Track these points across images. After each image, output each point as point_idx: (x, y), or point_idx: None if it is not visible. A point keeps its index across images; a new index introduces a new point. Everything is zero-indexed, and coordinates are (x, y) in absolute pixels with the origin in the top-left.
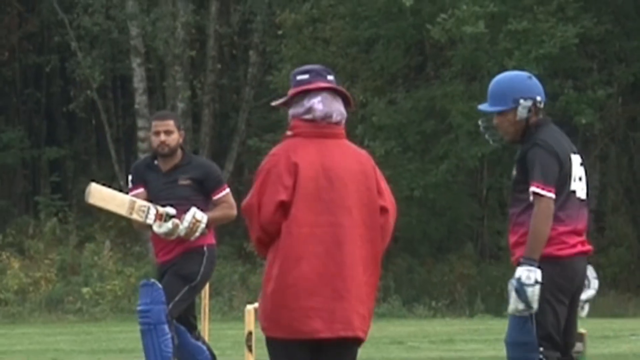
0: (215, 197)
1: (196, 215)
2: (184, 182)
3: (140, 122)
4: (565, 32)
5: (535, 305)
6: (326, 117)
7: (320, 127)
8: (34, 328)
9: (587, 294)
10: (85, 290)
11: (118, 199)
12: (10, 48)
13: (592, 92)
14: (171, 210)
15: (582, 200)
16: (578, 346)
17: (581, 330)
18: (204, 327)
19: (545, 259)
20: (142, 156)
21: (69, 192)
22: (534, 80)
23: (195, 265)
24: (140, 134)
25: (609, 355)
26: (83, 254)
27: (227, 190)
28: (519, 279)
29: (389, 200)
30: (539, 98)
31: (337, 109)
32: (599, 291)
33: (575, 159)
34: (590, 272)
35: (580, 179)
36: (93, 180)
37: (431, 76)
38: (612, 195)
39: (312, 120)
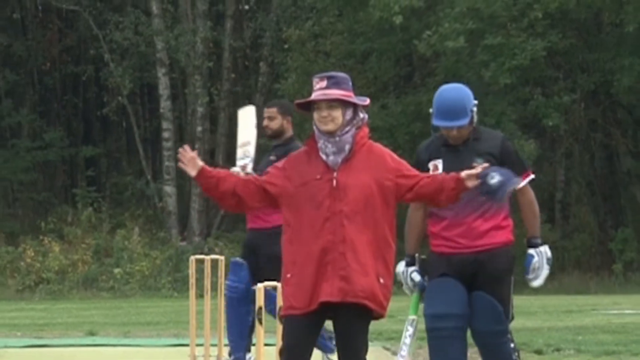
0: None
1: None
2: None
3: (165, 124)
4: (534, 46)
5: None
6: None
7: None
8: (72, 304)
9: None
10: (116, 270)
11: (250, 132)
12: (52, 60)
13: (558, 98)
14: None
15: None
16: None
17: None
18: (220, 303)
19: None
20: (166, 154)
21: (103, 185)
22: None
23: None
24: (165, 134)
25: (573, 327)
26: (115, 239)
27: None
28: (548, 257)
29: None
30: (475, 102)
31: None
32: (565, 271)
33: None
34: None
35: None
36: (127, 175)
37: (418, 84)
38: (575, 188)
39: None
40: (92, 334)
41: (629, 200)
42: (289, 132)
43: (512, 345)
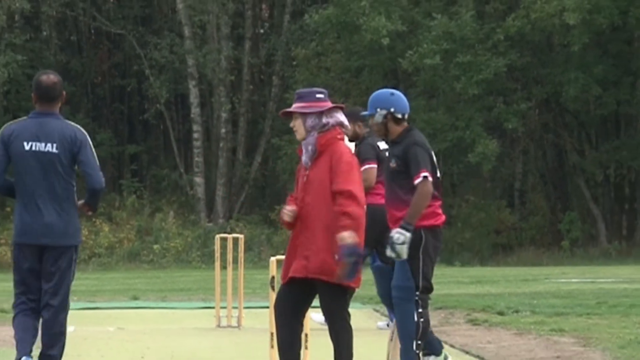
0: None
1: None
2: None
3: (195, 127)
4: (497, 63)
5: (404, 257)
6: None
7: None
8: (119, 274)
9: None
10: (155, 246)
11: None
12: (102, 74)
13: (517, 106)
14: None
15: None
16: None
17: None
18: (240, 273)
19: (429, 228)
20: (196, 151)
21: (144, 176)
22: (396, 96)
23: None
24: (195, 135)
25: (529, 293)
26: (154, 221)
27: None
28: (391, 238)
29: None
30: (392, 109)
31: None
32: (523, 247)
33: (433, 154)
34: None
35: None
36: (164, 169)
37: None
38: (531, 179)
39: (344, 132)
40: (135, 298)
41: (575, 189)
42: (363, 133)
43: (417, 308)
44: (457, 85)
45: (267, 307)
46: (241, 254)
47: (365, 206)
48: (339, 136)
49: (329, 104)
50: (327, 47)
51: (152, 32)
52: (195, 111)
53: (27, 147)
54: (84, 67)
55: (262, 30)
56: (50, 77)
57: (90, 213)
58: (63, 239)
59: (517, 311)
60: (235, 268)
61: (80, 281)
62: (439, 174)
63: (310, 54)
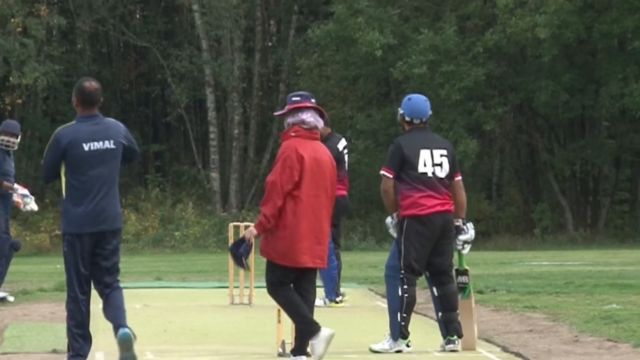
0: None
1: None
2: None
3: (211, 129)
4: (477, 72)
5: (394, 236)
6: (313, 127)
7: (311, 132)
8: (144, 257)
9: (464, 237)
10: (176, 233)
11: None
12: (130, 82)
13: (494, 110)
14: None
15: (440, 178)
16: (464, 279)
17: (466, 267)
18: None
19: (410, 217)
20: (212, 150)
21: (166, 172)
22: (412, 101)
23: None
24: (211, 135)
25: (505, 274)
26: (175, 211)
27: None
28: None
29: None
30: (401, 111)
31: (319, 122)
32: (499, 234)
33: (427, 153)
34: (469, 223)
35: (437, 165)
36: (184, 165)
37: (393, 100)
38: (506, 175)
39: (307, 128)
40: (158, 279)
41: (545, 183)
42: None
43: (402, 284)
44: (441, 92)
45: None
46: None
47: (281, 195)
48: (292, 133)
49: (302, 105)
50: (327, 58)
51: (174, 45)
52: (211, 115)
53: (86, 148)
54: (114, 76)
55: (270, 44)
56: (92, 84)
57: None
58: (117, 223)
59: (494, 290)
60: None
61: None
62: (424, 170)
63: (313, 64)
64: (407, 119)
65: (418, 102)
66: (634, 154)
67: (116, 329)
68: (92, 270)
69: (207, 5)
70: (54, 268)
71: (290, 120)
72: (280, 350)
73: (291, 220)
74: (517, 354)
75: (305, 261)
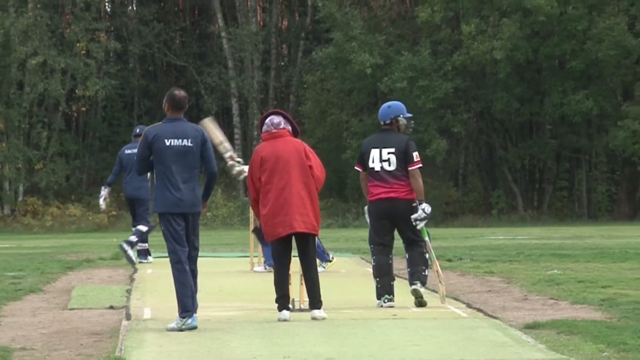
0: None
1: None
2: None
3: (236, 131)
4: (446, 86)
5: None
6: (272, 125)
7: (272, 132)
8: None
9: (414, 215)
10: (208, 214)
11: (219, 133)
12: None
13: (460, 116)
14: (237, 159)
15: (388, 171)
16: (423, 245)
17: (426, 238)
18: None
19: (368, 201)
20: (236, 149)
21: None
22: (380, 109)
23: None
24: (236, 137)
25: (469, 246)
26: None
27: None
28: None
29: (314, 161)
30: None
31: (278, 121)
32: (465, 214)
33: (376, 152)
34: (423, 204)
35: (384, 161)
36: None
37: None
38: (470, 167)
39: (268, 130)
40: None
41: (501, 174)
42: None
43: (372, 254)
44: (418, 102)
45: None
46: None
47: (252, 189)
48: (261, 140)
49: (269, 112)
50: (328, 75)
51: (206, 64)
52: (235, 120)
53: (167, 143)
54: (158, 89)
55: (282, 63)
56: (181, 92)
57: (205, 209)
58: (196, 207)
59: (460, 259)
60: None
61: (158, 238)
62: (372, 166)
63: (316, 79)
64: (382, 122)
65: (382, 108)
66: (571, 151)
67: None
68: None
69: (233, 33)
70: (111, 241)
71: (261, 130)
72: (290, 306)
73: (264, 206)
74: (479, 309)
75: (280, 232)
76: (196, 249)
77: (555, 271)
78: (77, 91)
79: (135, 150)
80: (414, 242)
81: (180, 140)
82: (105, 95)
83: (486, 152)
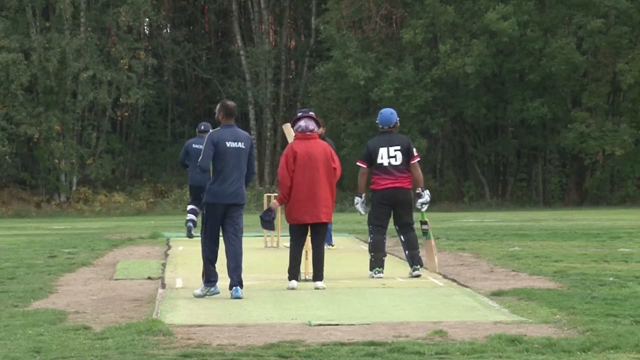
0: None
1: None
2: None
3: (252, 132)
4: (426, 95)
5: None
6: (307, 129)
7: (305, 134)
8: None
9: (421, 200)
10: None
11: (291, 136)
12: (199, 101)
13: (437, 120)
14: None
15: (394, 165)
16: (425, 226)
17: (426, 219)
18: (278, 216)
19: (372, 190)
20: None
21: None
22: (381, 114)
23: None
24: (252, 136)
25: (445, 227)
26: None
27: None
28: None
29: (337, 164)
30: (377, 121)
31: (313, 127)
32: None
33: (384, 151)
34: (426, 191)
35: (391, 157)
36: None
37: (372, 113)
38: (445, 162)
39: (303, 132)
40: None
41: (471, 168)
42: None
43: (370, 233)
44: (403, 108)
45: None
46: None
47: (287, 178)
48: (294, 136)
49: (300, 116)
50: (328, 86)
51: (227, 77)
52: (252, 123)
53: (228, 145)
54: (188, 98)
55: (290, 76)
56: (232, 103)
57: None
58: (243, 199)
59: (437, 238)
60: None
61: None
62: (380, 162)
63: (319, 90)
64: (379, 126)
65: (384, 114)
66: (529, 149)
67: (229, 267)
68: (223, 226)
69: (250, 51)
70: (149, 224)
71: (293, 127)
72: (298, 277)
73: (294, 195)
74: (453, 280)
75: (306, 219)
76: (239, 231)
77: (516, 248)
78: (121, 99)
79: (201, 146)
80: (408, 226)
81: (236, 143)
82: (144, 102)
83: (459, 149)
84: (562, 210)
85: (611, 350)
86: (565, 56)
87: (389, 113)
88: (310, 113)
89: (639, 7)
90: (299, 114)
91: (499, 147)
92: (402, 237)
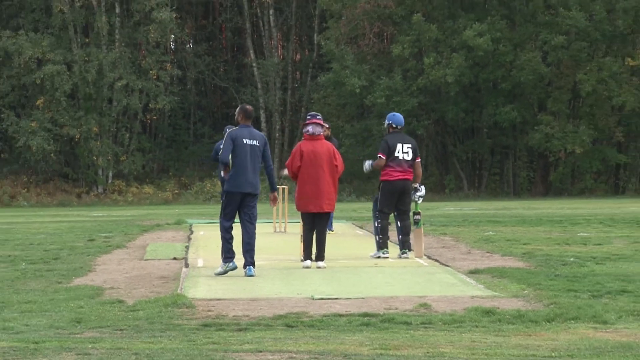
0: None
1: None
2: None
3: (262, 133)
4: (413, 101)
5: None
6: (314, 132)
7: (313, 136)
8: None
9: (418, 193)
10: None
11: None
12: (217, 107)
13: (423, 122)
14: None
15: (406, 160)
16: (418, 217)
17: (419, 210)
18: (285, 204)
19: (384, 181)
20: None
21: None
22: (396, 116)
23: None
24: None
25: (430, 215)
26: None
27: None
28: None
29: (339, 161)
30: (388, 122)
31: (318, 130)
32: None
33: (400, 146)
34: (422, 187)
35: (405, 152)
36: None
37: (366, 117)
38: (430, 159)
39: (311, 134)
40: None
41: (452, 164)
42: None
43: (377, 219)
44: (393, 110)
45: (299, 222)
46: (286, 195)
47: (292, 168)
48: (303, 138)
49: (309, 122)
50: (328, 93)
51: (242, 86)
52: (263, 125)
53: (245, 142)
54: (208, 103)
55: (296, 85)
56: (250, 107)
57: (274, 198)
58: (257, 190)
59: (423, 224)
60: (282, 200)
61: (208, 209)
62: (397, 155)
63: (320, 96)
64: (393, 125)
65: (398, 117)
66: (502, 148)
67: (244, 249)
68: (240, 213)
69: (261, 63)
70: (174, 212)
71: (303, 130)
72: (302, 259)
73: (301, 187)
74: (436, 260)
75: (311, 209)
76: (253, 218)
77: (490, 233)
78: (150, 105)
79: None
80: (405, 214)
81: (252, 141)
82: (170, 107)
83: (441, 148)
84: (530, 200)
85: (572, 321)
86: (532, 68)
87: (400, 116)
88: (318, 118)
89: (596, 25)
90: (308, 119)
91: (475, 146)
92: (399, 222)
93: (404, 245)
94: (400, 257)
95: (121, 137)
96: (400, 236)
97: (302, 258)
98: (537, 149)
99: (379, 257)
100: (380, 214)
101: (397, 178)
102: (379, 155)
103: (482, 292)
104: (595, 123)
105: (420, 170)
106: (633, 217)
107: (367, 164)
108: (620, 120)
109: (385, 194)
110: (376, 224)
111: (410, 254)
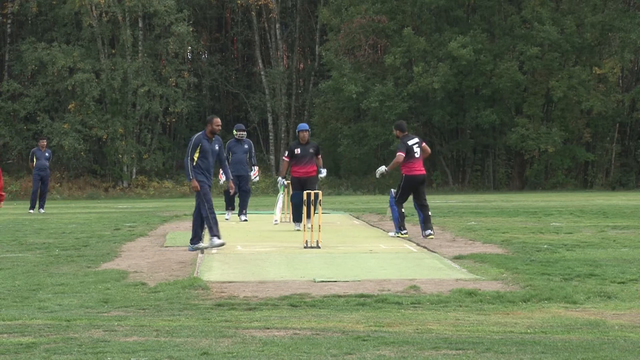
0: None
1: None
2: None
3: (270, 135)
4: (404, 105)
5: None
6: (304, 137)
7: (302, 138)
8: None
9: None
10: (252, 186)
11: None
12: (229, 110)
13: (412, 124)
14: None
15: (419, 157)
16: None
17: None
18: (286, 198)
19: (406, 174)
20: (270, 147)
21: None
22: (402, 123)
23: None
24: (270, 136)
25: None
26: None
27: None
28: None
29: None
30: (401, 127)
31: (307, 138)
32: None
33: (413, 144)
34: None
35: (417, 150)
36: (259, 152)
37: (362, 119)
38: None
39: (302, 138)
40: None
41: (438, 161)
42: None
43: (396, 207)
44: (385, 116)
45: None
46: (289, 189)
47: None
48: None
49: (302, 130)
50: (328, 98)
51: (251, 92)
52: (270, 127)
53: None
54: (221, 107)
55: (299, 91)
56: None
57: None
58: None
59: (413, 215)
60: (287, 194)
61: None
62: (413, 152)
63: (321, 101)
64: (402, 130)
65: (404, 123)
66: (483, 147)
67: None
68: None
69: (268, 72)
70: (191, 204)
71: (298, 134)
72: (305, 245)
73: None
74: (424, 247)
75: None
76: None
77: (472, 223)
78: (169, 109)
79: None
80: (425, 207)
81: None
82: (187, 111)
83: (429, 147)
84: (508, 193)
85: (545, 301)
86: (510, 76)
87: (405, 122)
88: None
89: (567, 38)
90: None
91: (459, 145)
92: (421, 213)
93: (427, 227)
94: (425, 236)
95: (144, 137)
96: (423, 224)
97: (305, 245)
98: (514, 148)
99: (398, 235)
100: (399, 203)
101: (418, 172)
102: (398, 153)
103: (466, 275)
104: (566, 125)
105: (428, 149)
106: (600, 209)
107: (382, 169)
108: (588, 123)
109: (407, 186)
110: (397, 210)
111: (433, 234)
